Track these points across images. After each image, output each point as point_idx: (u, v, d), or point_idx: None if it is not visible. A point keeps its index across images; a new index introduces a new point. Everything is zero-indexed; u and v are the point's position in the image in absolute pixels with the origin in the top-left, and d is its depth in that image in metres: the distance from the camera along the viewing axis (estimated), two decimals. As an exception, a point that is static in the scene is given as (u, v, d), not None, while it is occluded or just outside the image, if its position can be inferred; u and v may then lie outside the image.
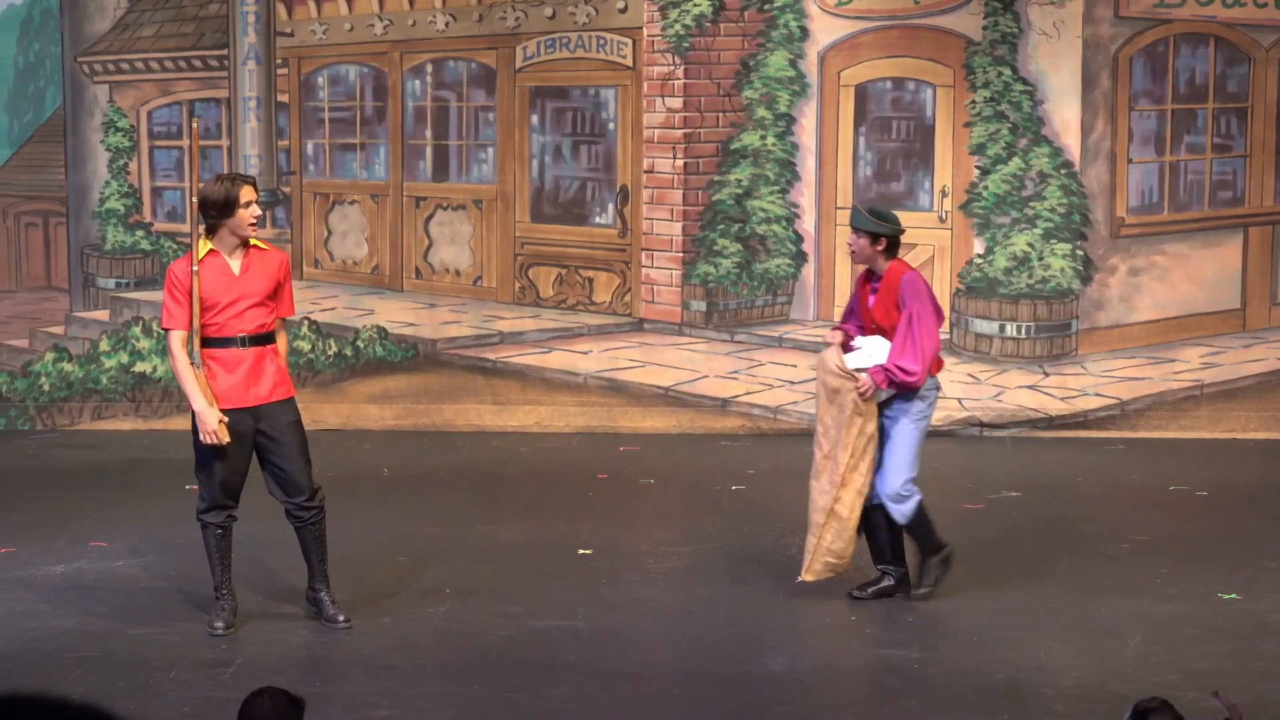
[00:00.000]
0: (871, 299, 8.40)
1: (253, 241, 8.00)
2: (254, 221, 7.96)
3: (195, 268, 7.88)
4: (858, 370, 8.30)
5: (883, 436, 8.43)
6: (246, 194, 7.91)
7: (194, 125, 8.57)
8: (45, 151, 13.17)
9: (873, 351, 8.33)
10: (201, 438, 7.88)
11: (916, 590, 8.56)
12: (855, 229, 8.38)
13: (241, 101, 12.88)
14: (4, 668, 7.67)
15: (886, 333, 8.35)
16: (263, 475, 8.12)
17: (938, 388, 8.52)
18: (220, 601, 8.15)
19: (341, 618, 8.17)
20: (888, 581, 8.61)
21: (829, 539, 8.44)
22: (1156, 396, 12.55)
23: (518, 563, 9.27)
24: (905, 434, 8.38)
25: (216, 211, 7.91)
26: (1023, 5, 12.26)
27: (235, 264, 7.96)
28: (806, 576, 8.56)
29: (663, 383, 12.75)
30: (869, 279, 8.46)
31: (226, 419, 7.86)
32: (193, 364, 7.87)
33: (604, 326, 12.89)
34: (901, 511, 8.45)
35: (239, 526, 8.25)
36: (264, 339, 7.99)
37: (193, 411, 7.90)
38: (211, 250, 7.96)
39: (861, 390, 8.27)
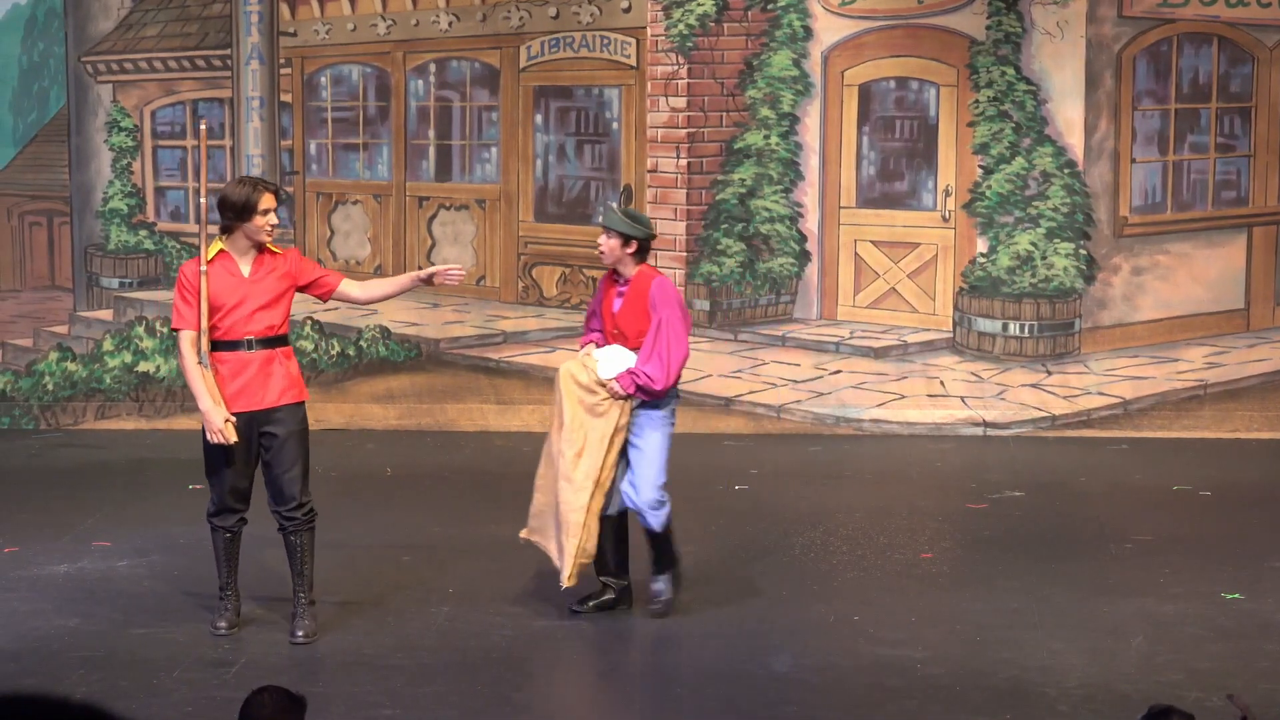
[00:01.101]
0: (617, 303, 8.19)
1: (267, 244, 7.97)
2: (270, 230, 7.88)
3: (204, 268, 7.85)
4: (606, 380, 8.13)
5: (628, 445, 8.24)
6: (266, 201, 7.83)
7: (202, 126, 8.47)
8: (49, 151, 13.17)
9: (616, 360, 8.16)
10: (208, 437, 7.84)
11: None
12: (606, 229, 8.14)
13: (245, 101, 12.88)
14: (7, 667, 7.67)
15: (628, 339, 8.16)
16: None
17: (678, 396, 8.32)
18: (224, 602, 8.14)
19: (300, 633, 8.02)
20: (609, 595, 8.39)
21: (585, 538, 8.21)
22: (1160, 396, 12.54)
23: (521, 562, 9.26)
24: (654, 442, 8.19)
25: (234, 214, 7.84)
26: (1026, 5, 12.26)
27: (245, 266, 7.90)
28: (570, 582, 8.24)
29: (666, 382, 12.73)
30: (615, 281, 8.24)
31: (234, 419, 7.82)
32: (200, 364, 7.84)
33: (607, 326, 12.88)
34: (658, 518, 8.24)
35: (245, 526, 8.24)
36: (274, 342, 7.91)
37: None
38: (222, 251, 7.90)
39: (611, 394, 8.12)
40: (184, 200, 13.10)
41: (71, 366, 12.93)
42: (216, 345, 7.87)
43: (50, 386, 12.93)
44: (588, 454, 8.18)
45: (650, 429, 8.22)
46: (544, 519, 8.33)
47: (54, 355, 12.96)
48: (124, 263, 13.08)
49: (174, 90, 13.12)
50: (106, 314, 13.07)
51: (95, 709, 2.70)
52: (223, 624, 8.09)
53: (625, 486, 8.27)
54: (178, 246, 13.01)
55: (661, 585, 8.37)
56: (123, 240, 13.06)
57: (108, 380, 12.90)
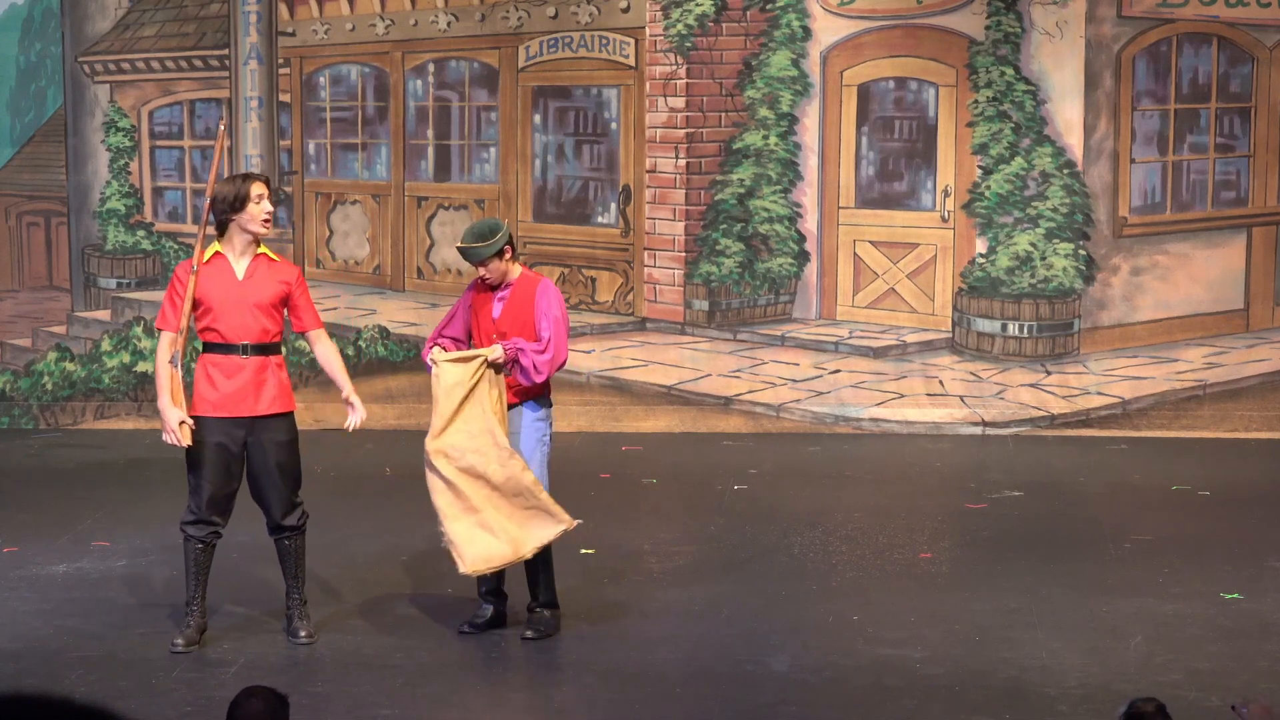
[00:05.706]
0: (498, 307, 7.99)
1: (263, 249, 7.89)
2: (266, 218, 7.80)
3: (195, 268, 7.81)
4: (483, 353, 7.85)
5: None
6: (257, 188, 7.77)
7: (221, 126, 8.36)
8: (47, 151, 13.17)
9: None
10: (163, 436, 7.79)
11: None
12: (482, 263, 7.89)
13: (243, 101, 12.88)
14: (7, 667, 7.67)
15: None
16: None
17: (550, 404, 8.13)
18: (188, 618, 7.94)
19: (303, 633, 7.96)
20: (489, 612, 8.15)
21: (546, 500, 7.90)
22: (1159, 396, 12.54)
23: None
24: (535, 460, 7.99)
25: (228, 207, 7.79)
26: (1025, 5, 12.26)
27: (240, 269, 7.85)
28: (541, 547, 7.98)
29: (665, 382, 12.75)
30: (489, 289, 8.01)
31: (190, 421, 7.75)
32: (172, 363, 7.76)
33: (607, 326, 12.89)
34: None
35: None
36: (267, 349, 7.84)
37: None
38: (218, 254, 7.86)
39: (493, 359, 7.82)
40: (181, 200, 13.10)
41: (70, 366, 12.93)
42: (211, 348, 7.83)
43: (49, 386, 12.93)
44: (500, 446, 7.85)
45: (533, 442, 8.01)
46: (481, 535, 7.93)
47: (52, 355, 12.96)
48: (121, 263, 13.08)
49: (171, 90, 13.11)
50: (104, 314, 13.07)
51: (100, 710, 2.69)
52: (180, 641, 7.86)
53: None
54: (175, 247, 13.00)
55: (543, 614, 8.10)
56: (120, 240, 13.05)
57: (106, 380, 12.90)
